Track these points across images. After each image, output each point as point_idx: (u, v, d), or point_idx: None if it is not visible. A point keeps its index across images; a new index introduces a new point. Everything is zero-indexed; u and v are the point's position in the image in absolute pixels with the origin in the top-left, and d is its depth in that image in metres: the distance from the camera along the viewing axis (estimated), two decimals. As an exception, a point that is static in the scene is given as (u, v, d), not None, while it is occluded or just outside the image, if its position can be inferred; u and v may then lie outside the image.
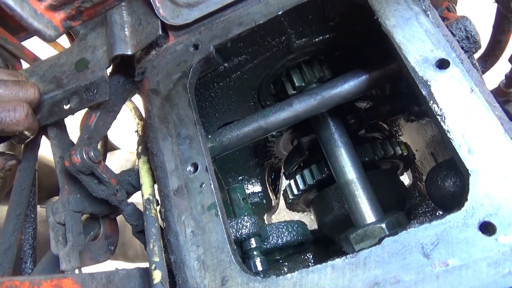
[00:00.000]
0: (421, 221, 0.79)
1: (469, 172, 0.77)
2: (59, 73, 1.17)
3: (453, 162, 1.08)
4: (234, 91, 1.28)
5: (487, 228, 0.73)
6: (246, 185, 1.82)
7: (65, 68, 1.18)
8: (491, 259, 0.71)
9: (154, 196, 1.05)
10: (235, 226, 1.21)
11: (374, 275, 0.76)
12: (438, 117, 0.82)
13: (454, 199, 1.06)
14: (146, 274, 0.98)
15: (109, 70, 1.18)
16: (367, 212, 1.13)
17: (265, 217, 1.87)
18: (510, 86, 1.14)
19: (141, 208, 1.16)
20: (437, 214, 1.50)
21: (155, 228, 0.97)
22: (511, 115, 1.01)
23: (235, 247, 0.89)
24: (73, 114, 1.14)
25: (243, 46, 1.12)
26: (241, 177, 1.81)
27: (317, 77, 1.26)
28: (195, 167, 0.97)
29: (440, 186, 1.08)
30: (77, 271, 1.03)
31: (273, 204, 1.86)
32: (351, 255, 0.79)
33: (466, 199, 0.75)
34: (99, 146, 1.31)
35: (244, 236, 1.21)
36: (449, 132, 0.81)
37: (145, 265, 0.98)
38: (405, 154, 1.34)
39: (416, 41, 0.90)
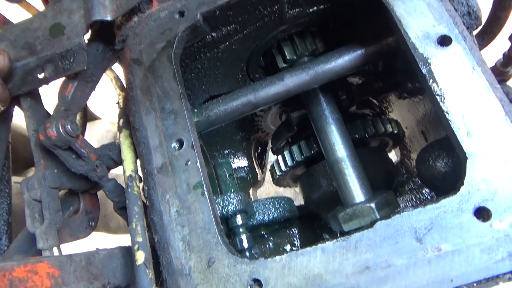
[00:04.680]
0: (415, 205, 0.77)
1: (467, 155, 0.74)
2: (32, 39, 1.08)
3: (445, 142, 1.07)
4: (222, 63, 1.22)
5: (482, 213, 0.71)
6: (232, 159, 1.78)
7: (39, 34, 1.09)
8: (485, 244, 0.69)
9: (136, 172, 1.00)
10: (221, 203, 1.18)
11: (365, 259, 0.74)
12: (438, 97, 0.79)
13: (444, 180, 1.05)
14: (128, 253, 0.94)
15: (87, 36, 1.09)
16: (356, 191, 1.11)
17: (250, 191, 1.85)
18: (508, 65, 1.11)
19: (122, 181, 1.11)
20: (423, 191, 1.50)
21: (138, 206, 0.93)
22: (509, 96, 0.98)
23: (222, 227, 0.86)
24: (47, 84, 1.06)
25: (233, 15, 1.05)
26: (227, 151, 1.76)
27: (309, 50, 1.21)
28: (180, 143, 0.92)
29: (431, 166, 1.06)
30: (55, 249, 0.98)
31: (259, 178, 1.84)
32: (342, 238, 0.77)
33: (462, 183, 0.73)
34: (77, 118, 1.23)
35: (230, 213, 1.19)
36: (448, 113, 0.77)
37: (127, 240, 0.94)
38: (396, 131, 1.32)
39: (418, 15, 0.85)
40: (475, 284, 0.68)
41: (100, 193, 1.26)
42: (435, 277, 0.70)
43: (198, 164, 0.89)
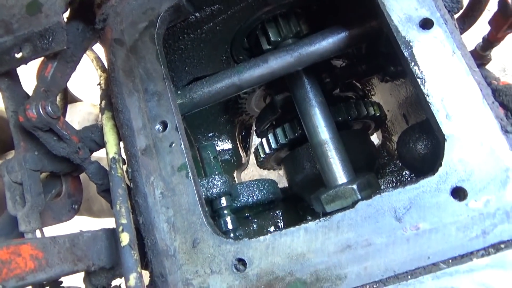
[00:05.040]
0: (395, 185, 0.79)
1: (445, 137, 0.76)
2: (7, 17, 1.04)
3: (425, 124, 1.09)
4: (206, 44, 1.20)
5: (458, 193, 0.74)
6: (216, 141, 1.78)
7: (15, 11, 1.05)
8: (460, 223, 0.72)
9: (120, 154, 0.99)
10: (206, 185, 1.18)
11: (347, 238, 0.77)
12: (419, 80, 0.80)
13: (424, 161, 1.08)
14: (112, 235, 0.94)
15: (65, 15, 1.06)
16: (339, 173, 1.13)
17: (235, 174, 1.86)
18: (487, 49, 1.13)
19: (104, 164, 1.10)
20: (404, 173, 1.54)
21: (122, 188, 0.92)
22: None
23: (206, 209, 0.87)
24: (26, 64, 1.03)
25: (216, -5, 1.03)
26: (211, 134, 1.76)
27: (294, 32, 1.20)
28: (164, 125, 0.91)
29: (412, 148, 1.08)
30: (38, 232, 0.98)
31: (243, 161, 1.85)
32: (324, 218, 0.79)
33: (441, 164, 0.76)
34: (58, 100, 1.20)
35: (214, 195, 1.19)
36: (428, 96, 0.79)
37: (111, 222, 0.94)
38: (378, 114, 1.34)
39: (401, -3, 0.85)
40: (450, 261, 0.71)
41: (83, 176, 1.25)
42: (413, 255, 0.72)
43: (182, 146, 0.89)
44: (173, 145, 0.89)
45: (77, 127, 1.77)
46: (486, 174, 0.73)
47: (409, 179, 1.52)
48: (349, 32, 1.04)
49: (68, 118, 1.71)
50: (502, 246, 0.70)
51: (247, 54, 1.34)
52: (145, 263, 0.89)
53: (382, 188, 1.54)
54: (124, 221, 0.86)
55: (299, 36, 1.22)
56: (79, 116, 2.33)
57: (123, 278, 0.88)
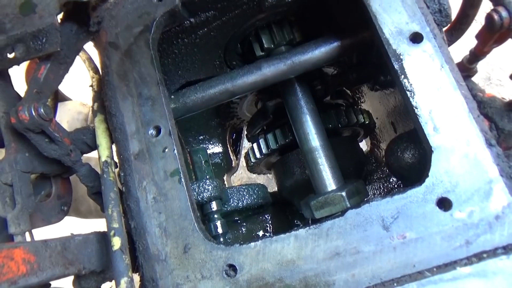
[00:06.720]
0: (382, 192, 0.82)
1: (433, 149, 0.79)
2: (0, 16, 1.03)
3: (413, 134, 1.12)
4: (200, 49, 1.21)
5: (444, 203, 0.76)
6: (207, 145, 1.79)
7: (8, 11, 1.04)
8: (445, 233, 0.75)
9: (112, 158, 1.00)
10: (197, 189, 1.19)
11: (336, 245, 0.78)
12: (408, 92, 0.82)
13: (412, 170, 1.10)
14: (103, 239, 0.94)
15: (60, 16, 1.05)
16: (329, 180, 1.15)
17: (225, 177, 1.87)
18: (473, 62, 1.17)
19: (93, 164, 1.10)
20: (391, 180, 1.56)
21: (114, 192, 0.93)
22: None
23: (198, 214, 0.88)
24: (18, 64, 1.02)
25: (212, 1, 1.04)
26: (202, 136, 1.77)
27: (287, 39, 1.22)
28: (158, 130, 0.92)
29: (400, 157, 1.11)
30: (27, 234, 0.97)
31: (233, 164, 1.86)
32: (314, 225, 0.81)
33: (427, 175, 0.78)
34: (48, 100, 1.20)
35: (205, 199, 1.20)
36: (417, 109, 0.81)
37: (101, 223, 0.94)
38: (367, 122, 1.36)
39: (393, 11, 0.87)
40: (435, 269, 0.73)
41: (71, 176, 1.24)
42: (399, 263, 0.75)
43: (175, 151, 0.90)
44: (166, 150, 0.90)
45: (66, 126, 1.75)
46: (471, 186, 0.76)
47: (396, 186, 1.55)
48: (341, 42, 1.06)
49: (58, 117, 1.70)
50: (484, 255, 0.72)
51: (240, 59, 1.35)
52: (136, 267, 0.90)
53: (369, 194, 1.57)
54: (116, 225, 0.86)
55: (292, 44, 1.24)
56: (69, 115, 2.30)
57: (113, 281, 0.88)
